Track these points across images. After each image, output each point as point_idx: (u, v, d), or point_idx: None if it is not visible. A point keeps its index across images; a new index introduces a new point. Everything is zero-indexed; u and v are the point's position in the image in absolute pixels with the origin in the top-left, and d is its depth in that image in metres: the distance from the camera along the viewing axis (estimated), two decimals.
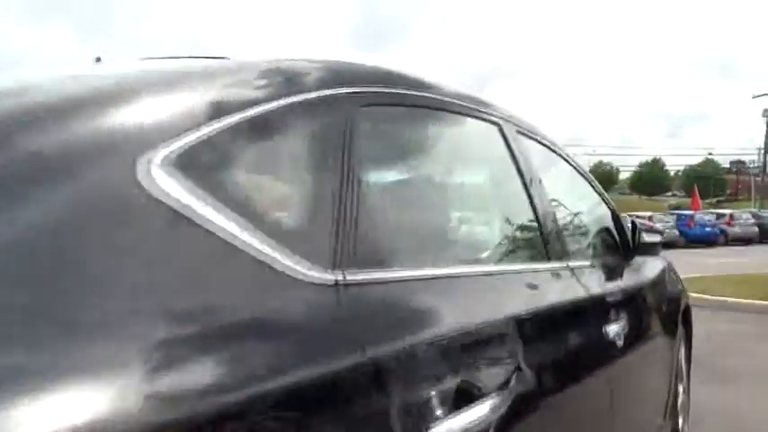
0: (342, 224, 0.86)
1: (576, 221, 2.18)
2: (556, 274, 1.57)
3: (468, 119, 1.47)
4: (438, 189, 1.44)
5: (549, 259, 1.56)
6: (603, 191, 2.44)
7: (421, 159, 1.40)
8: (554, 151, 2.08)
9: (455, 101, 1.40)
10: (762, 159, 45.01)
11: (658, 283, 2.51)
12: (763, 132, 40.57)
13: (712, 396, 3.69)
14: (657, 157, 76.91)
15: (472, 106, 1.48)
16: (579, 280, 1.66)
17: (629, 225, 2.42)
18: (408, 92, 1.20)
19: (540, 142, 1.93)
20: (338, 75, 1.06)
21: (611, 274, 2.10)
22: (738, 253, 17.12)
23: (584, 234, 2.21)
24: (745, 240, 23.55)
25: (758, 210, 29.79)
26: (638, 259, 2.41)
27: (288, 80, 0.96)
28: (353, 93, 1.02)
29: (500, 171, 1.64)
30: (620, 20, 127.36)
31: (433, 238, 1.29)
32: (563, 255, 1.65)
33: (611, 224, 2.39)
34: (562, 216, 1.90)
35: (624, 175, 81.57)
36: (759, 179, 48.82)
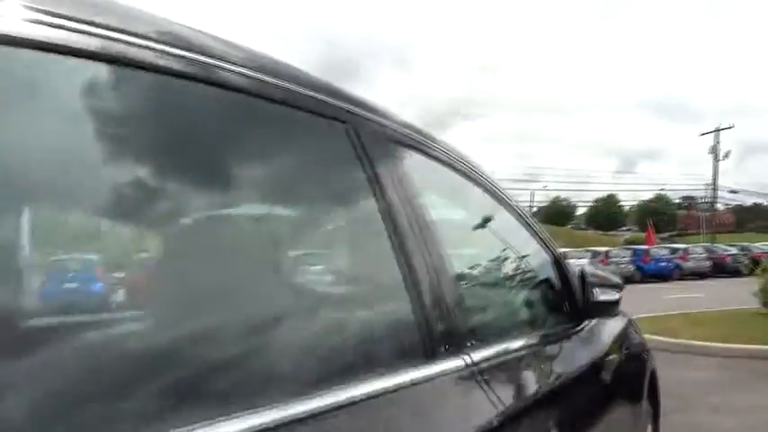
0: None
1: (495, 280, 1.57)
2: (443, 381, 0.94)
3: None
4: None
5: (430, 356, 0.94)
6: (543, 230, 1.85)
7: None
8: (473, 180, 1.49)
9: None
10: (711, 195, 46.31)
11: (616, 355, 1.90)
12: (711, 168, 41.74)
13: None
14: (612, 193, 78.73)
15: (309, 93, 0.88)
16: (488, 383, 1.04)
17: (578, 278, 1.83)
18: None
19: (448, 163, 1.34)
20: None
21: (549, 353, 1.50)
22: (694, 288, 16.99)
23: (509, 299, 1.60)
24: (699, 274, 23.69)
25: (711, 244, 30.23)
26: (589, 324, 1.81)
27: None
28: None
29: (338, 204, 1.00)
30: (572, 57, 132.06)
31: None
32: (462, 343, 1.03)
33: (553, 277, 1.79)
34: (470, 275, 1.30)
35: (580, 211, 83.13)
36: (708, 214, 50.18)
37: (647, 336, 2.98)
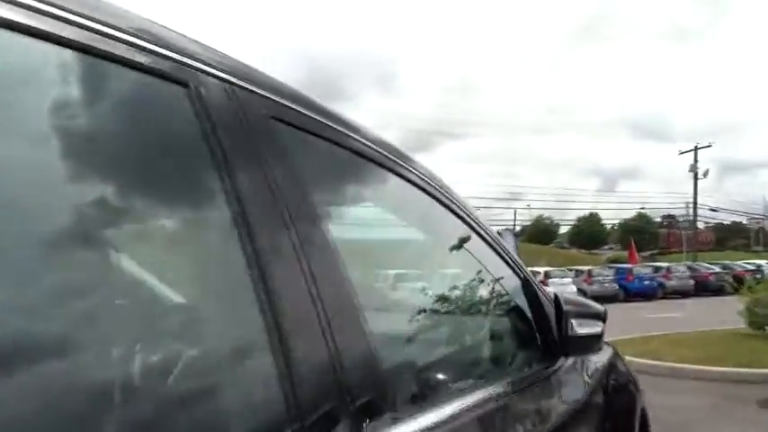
0: None
1: (446, 313, 1.28)
2: None
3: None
4: None
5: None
6: (508, 250, 1.55)
7: None
8: (423, 190, 1.20)
9: None
10: (692, 213, 46.58)
11: (600, 398, 1.60)
12: (691, 187, 42.00)
13: None
14: (594, 212, 79.16)
15: None
16: None
17: (552, 307, 1.54)
18: None
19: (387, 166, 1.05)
20: None
21: (517, 404, 1.19)
22: (678, 307, 16.80)
23: (466, 336, 1.31)
24: (682, 293, 23.56)
25: (693, 263, 30.23)
26: (566, 363, 1.51)
27: None
28: None
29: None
30: (553, 77, 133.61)
31: None
32: (397, 408, 0.74)
33: (522, 306, 1.49)
34: (412, 308, 1.02)
35: (563, 229, 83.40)
36: (689, 232, 50.45)
37: (628, 358, 2.71)
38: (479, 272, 1.40)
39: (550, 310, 1.52)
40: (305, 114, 0.88)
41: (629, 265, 26.63)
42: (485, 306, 1.50)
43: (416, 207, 1.23)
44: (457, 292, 1.36)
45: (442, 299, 1.36)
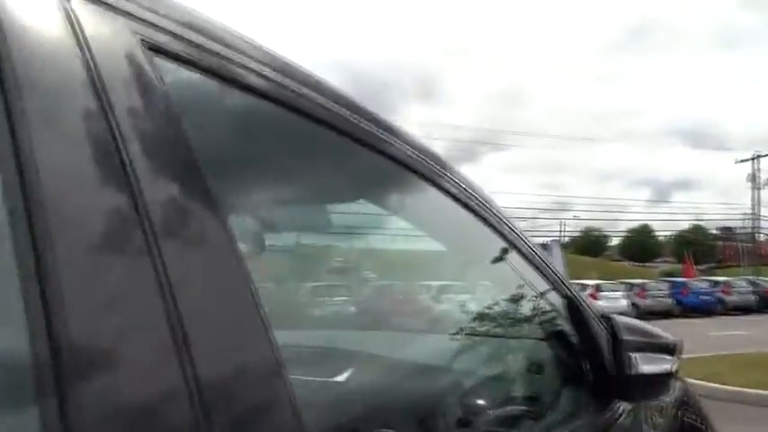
0: None
1: (468, 345, 0.98)
2: None
3: None
4: None
5: None
6: (554, 267, 1.21)
7: None
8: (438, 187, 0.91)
9: None
10: (750, 225, 44.37)
11: None
12: (749, 197, 40.00)
13: None
14: (646, 223, 76.55)
15: None
16: None
17: (606, 335, 1.19)
18: None
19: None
20: None
21: None
22: (741, 324, 15.76)
23: (493, 375, 0.99)
24: (743, 309, 22.30)
25: (755, 277, 28.64)
26: (623, 408, 1.16)
27: None
28: None
29: None
30: (598, 85, 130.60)
31: None
32: None
33: (568, 333, 1.16)
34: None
35: (613, 241, 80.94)
36: (748, 245, 48.05)
37: (690, 380, 2.30)
38: (508, 288, 1.08)
39: (603, 339, 1.16)
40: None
41: (685, 279, 25.60)
42: (514, 330, 1.17)
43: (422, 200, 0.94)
44: (489, 318, 1.05)
45: (472, 325, 1.09)
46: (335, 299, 1.30)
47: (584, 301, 1.20)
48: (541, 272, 1.14)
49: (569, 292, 1.18)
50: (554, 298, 1.17)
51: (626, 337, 1.14)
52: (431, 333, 1.12)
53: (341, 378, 0.99)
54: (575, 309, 1.17)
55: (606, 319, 1.17)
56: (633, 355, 1.12)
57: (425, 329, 1.11)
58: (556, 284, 1.16)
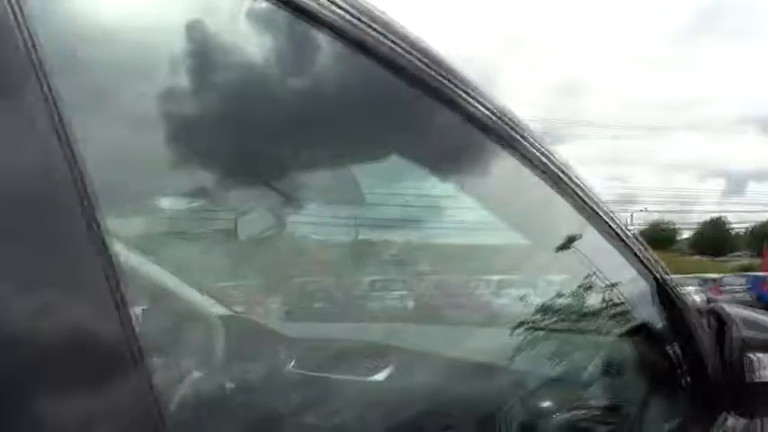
0: None
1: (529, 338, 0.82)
2: None
3: None
4: None
5: None
6: (641, 240, 1.02)
7: None
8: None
9: None
10: None
11: None
12: None
13: None
14: (720, 215, 72.61)
15: None
16: None
17: (709, 328, 1.00)
18: None
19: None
20: None
21: None
22: None
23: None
24: None
25: None
26: (733, 423, 0.96)
27: None
28: None
29: None
30: (665, 73, 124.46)
31: None
32: None
33: (657, 326, 0.97)
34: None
35: (684, 234, 77.22)
36: None
37: None
38: (580, 275, 0.90)
39: (706, 336, 0.96)
40: None
41: (765, 273, 24.18)
42: (588, 324, 0.99)
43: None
44: (540, 304, 0.88)
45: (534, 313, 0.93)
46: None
47: (679, 289, 1.00)
48: (628, 253, 0.95)
49: (661, 277, 0.98)
50: (641, 285, 0.99)
51: (740, 333, 0.92)
52: (494, 327, 0.96)
53: (406, 376, 0.89)
54: (667, 298, 0.97)
55: (712, 312, 0.97)
56: (756, 356, 0.91)
57: (493, 323, 0.96)
58: (646, 268, 0.97)
